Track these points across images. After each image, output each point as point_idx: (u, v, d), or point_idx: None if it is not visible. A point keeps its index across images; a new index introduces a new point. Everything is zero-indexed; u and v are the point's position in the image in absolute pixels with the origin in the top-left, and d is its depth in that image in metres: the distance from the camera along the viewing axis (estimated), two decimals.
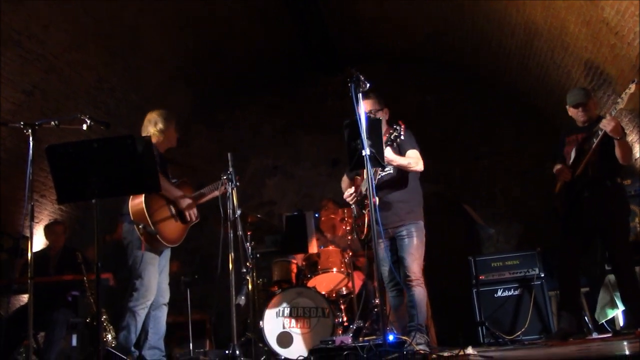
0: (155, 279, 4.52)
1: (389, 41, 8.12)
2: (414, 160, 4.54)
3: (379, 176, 4.53)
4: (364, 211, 4.61)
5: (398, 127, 4.28)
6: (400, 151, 4.54)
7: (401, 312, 4.56)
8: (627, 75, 5.28)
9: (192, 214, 4.70)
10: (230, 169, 4.38)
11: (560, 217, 5.02)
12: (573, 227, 4.86)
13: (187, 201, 4.66)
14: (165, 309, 4.66)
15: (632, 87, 4.49)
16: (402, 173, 4.60)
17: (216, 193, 4.76)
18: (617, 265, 4.80)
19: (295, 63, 8.47)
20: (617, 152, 4.59)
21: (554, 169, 5.02)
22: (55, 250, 6.13)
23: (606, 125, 4.49)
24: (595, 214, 4.74)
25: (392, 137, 4.30)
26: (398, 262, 4.54)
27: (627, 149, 4.65)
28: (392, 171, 4.59)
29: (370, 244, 4.55)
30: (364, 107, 4.50)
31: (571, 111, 4.97)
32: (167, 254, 4.75)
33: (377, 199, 4.33)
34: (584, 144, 4.78)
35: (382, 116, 4.63)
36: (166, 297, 4.68)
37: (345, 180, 5.05)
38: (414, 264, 4.42)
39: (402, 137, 4.27)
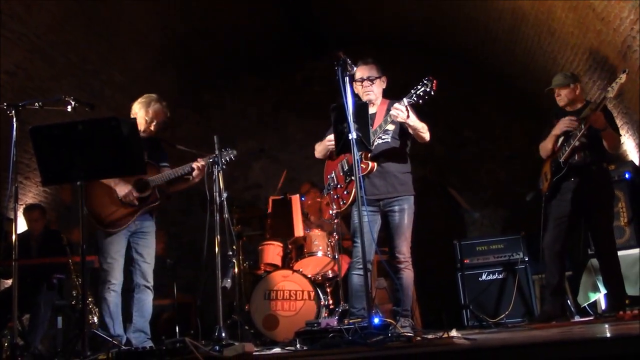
0: (117, 262, 4.47)
1: (376, 25, 8.09)
2: (426, 127, 4.32)
3: (376, 143, 4.31)
4: (353, 178, 4.25)
5: (429, 83, 4.05)
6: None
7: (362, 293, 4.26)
8: (613, 61, 5.31)
9: (132, 199, 4.53)
10: (217, 152, 4.35)
11: (544, 200, 5.06)
12: (559, 211, 4.91)
13: (124, 189, 4.51)
14: (148, 292, 4.58)
15: (623, 77, 4.53)
16: (399, 142, 4.41)
17: (193, 180, 4.64)
18: (600, 249, 4.86)
19: (283, 46, 8.43)
20: (604, 142, 4.67)
21: (541, 145, 5.07)
22: (36, 234, 6.09)
23: (591, 120, 4.57)
24: (581, 198, 4.79)
25: (419, 92, 4.07)
26: (384, 237, 4.42)
27: (613, 138, 4.71)
28: (389, 139, 4.38)
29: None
30: (362, 73, 4.42)
31: (553, 93, 5.04)
32: (147, 237, 4.65)
33: (374, 164, 4.28)
34: (571, 130, 4.81)
35: (380, 84, 4.49)
36: (148, 279, 4.59)
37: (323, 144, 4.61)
38: (404, 244, 4.30)
39: (432, 94, 4.02)
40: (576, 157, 4.80)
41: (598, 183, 4.78)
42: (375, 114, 4.45)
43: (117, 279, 4.47)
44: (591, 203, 4.77)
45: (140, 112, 4.71)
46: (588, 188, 4.76)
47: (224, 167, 4.37)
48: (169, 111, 4.83)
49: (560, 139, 4.89)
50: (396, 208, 4.33)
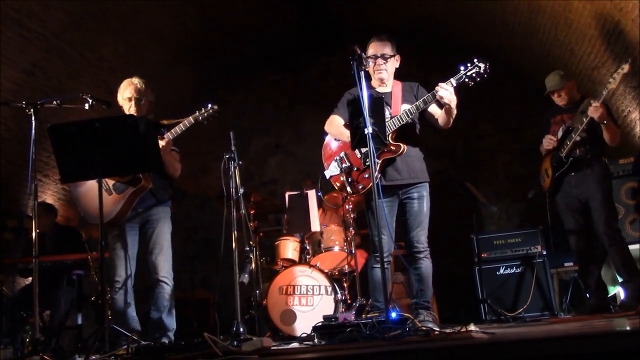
0: (120, 257, 4.36)
1: (391, 18, 8.06)
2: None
3: (404, 122, 4.07)
4: (376, 160, 4.06)
5: (482, 65, 3.90)
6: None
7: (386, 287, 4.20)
8: (631, 52, 5.25)
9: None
10: (233, 148, 4.37)
11: (547, 196, 5.08)
12: (568, 204, 4.93)
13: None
14: (163, 285, 4.39)
15: (626, 67, 4.53)
16: (419, 125, 4.25)
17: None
18: (606, 243, 4.80)
19: (298, 40, 8.42)
20: (605, 135, 4.69)
21: (541, 147, 5.09)
22: (47, 231, 6.07)
23: (593, 112, 4.58)
24: (583, 192, 4.80)
25: (472, 73, 3.92)
26: (401, 226, 4.24)
27: (614, 132, 4.70)
28: (415, 119, 4.18)
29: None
30: (375, 50, 4.24)
31: (552, 95, 5.05)
32: (155, 226, 4.46)
33: (405, 146, 4.08)
34: (571, 124, 4.84)
35: (394, 63, 4.32)
36: (160, 272, 4.40)
37: (338, 121, 4.48)
38: (422, 233, 4.17)
39: (485, 77, 3.91)
40: (577, 152, 4.83)
41: (598, 177, 4.80)
42: (390, 93, 4.29)
43: (120, 275, 4.35)
44: (592, 197, 4.76)
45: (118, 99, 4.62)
46: (589, 182, 4.78)
47: (208, 120, 4.45)
48: (142, 82, 4.64)
49: (560, 134, 4.91)
50: (415, 195, 4.18)
